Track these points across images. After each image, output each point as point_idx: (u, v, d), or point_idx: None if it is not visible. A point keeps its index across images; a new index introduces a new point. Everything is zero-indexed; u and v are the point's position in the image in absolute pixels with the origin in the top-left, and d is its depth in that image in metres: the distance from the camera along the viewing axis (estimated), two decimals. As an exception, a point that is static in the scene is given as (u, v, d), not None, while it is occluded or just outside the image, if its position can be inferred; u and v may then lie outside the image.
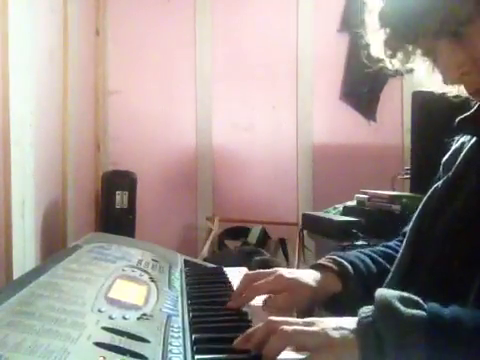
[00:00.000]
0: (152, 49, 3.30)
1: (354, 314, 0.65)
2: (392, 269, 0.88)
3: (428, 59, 0.79)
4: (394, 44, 0.77)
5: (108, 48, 3.26)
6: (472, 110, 0.82)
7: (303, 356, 0.63)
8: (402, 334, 0.60)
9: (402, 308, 0.61)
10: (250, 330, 0.69)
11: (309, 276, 0.90)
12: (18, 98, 1.77)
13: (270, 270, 0.93)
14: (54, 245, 2.28)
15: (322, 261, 0.95)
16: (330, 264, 0.93)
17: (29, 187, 1.87)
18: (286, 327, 0.64)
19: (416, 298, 0.64)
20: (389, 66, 0.82)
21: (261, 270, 0.94)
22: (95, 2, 3.13)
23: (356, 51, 3.28)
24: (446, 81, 0.76)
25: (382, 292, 0.65)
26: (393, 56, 0.78)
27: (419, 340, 0.59)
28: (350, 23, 3.28)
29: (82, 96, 2.78)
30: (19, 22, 1.79)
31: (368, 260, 0.96)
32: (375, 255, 0.98)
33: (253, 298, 0.89)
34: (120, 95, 3.27)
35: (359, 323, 0.63)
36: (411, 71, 0.84)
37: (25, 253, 1.81)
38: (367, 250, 1.00)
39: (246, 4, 3.35)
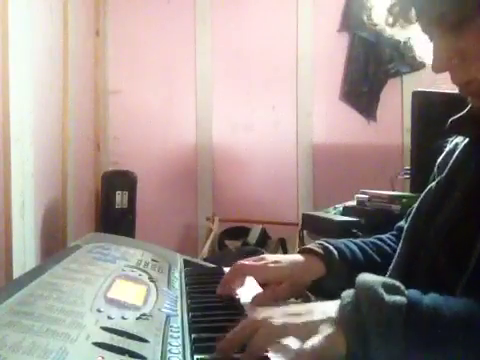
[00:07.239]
0: (152, 49, 3.30)
1: (337, 297, 0.65)
2: (390, 269, 0.88)
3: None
4: (396, 14, 0.78)
5: (108, 48, 3.26)
6: (464, 111, 0.82)
7: None
8: (385, 320, 0.60)
9: (385, 295, 0.61)
10: (234, 330, 0.66)
11: (293, 262, 0.96)
12: (18, 98, 1.77)
13: (256, 258, 0.98)
14: (54, 245, 2.28)
15: (310, 246, 1.00)
16: (317, 249, 0.98)
17: (29, 187, 1.87)
18: (275, 321, 0.64)
19: (397, 284, 0.64)
20: (387, 33, 0.83)
21: (246, 260, 0.98)
22: (95, 2, 3.13)
23: (356, 51, 3.28)
24: (433, 67, 0.76)
25: (365, 278, 0.65)
26: (393, 25, 0.79)
27: (399, 326, 0.59)
28: (350, 23, 3.28)
29: (82, 96, 2.78)
30: (19, 22, 1.79)
31: (356, 248, 1.00)
32: (364, 245, 1.02)
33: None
34: (120, 95, 3.27)
35: (341, 311, 0.62)
36: (410, 71, 0.84)
37: (25, 253, 1.81)
38: (358, 240, 1.05)
39: (246, 4, 3.35)
